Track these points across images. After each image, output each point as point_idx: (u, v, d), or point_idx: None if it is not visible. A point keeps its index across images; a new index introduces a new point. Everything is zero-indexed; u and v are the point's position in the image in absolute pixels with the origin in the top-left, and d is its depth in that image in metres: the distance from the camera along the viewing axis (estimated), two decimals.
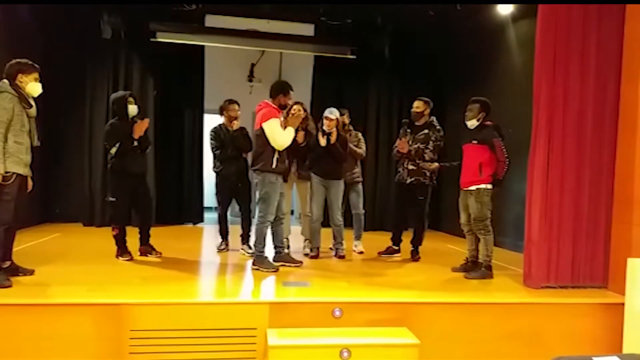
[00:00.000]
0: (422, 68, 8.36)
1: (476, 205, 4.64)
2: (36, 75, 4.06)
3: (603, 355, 2.17)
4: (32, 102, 4.06)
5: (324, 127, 5.40)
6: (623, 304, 3.89)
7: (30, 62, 4.07)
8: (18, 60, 4.05)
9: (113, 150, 4.84)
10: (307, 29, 8.36)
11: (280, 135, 4.60)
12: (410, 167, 5.42)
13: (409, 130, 5.48)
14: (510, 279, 4.74)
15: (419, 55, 8.39)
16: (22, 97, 3.95)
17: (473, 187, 4.68)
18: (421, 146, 5.35)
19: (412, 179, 5.42)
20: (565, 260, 4.34)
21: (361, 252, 5.90)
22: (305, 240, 5.74)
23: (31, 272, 4.20)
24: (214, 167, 5.72)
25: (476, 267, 4.80)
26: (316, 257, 5.46)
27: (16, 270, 4.10)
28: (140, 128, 4.94)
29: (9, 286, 3.74)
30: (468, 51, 7.80)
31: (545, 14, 4.30)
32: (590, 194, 4.35)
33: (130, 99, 4.98)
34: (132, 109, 4.96)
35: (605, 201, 4.36)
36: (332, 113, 5.38)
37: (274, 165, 4.61)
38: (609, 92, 4.33)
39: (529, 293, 4.20)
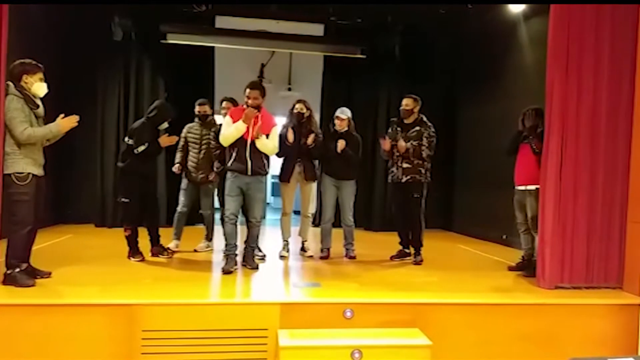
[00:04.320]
0: (432, 67, 8.34)
1: (536, 204, 4.54)
2: (41, 75, 3.97)
3: (619, 357, 2.14)
4: (39, 102, 4.00)
5: (336, 128, 5.39)
6: (639, 305, 3.84)
7: (34, 62, 3.97)
8: (21, 60, 3.94)
9: (141, 149, 4.86)
10: (317, 29, 8.37)
11: (222, 132, 4.70)
12: (405, 165, 5.30)
13: (399, 129, 5.40)
14: (523, 279, 4.71)
15: (429, 54, 8.36)
16: (28, 99, 3.89)
17: (533, 187, 4.62)
18: (414, 143, 5.25)
19: (408, 177, 5.30)
20: (579, 261, 4.29)
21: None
22: (304, 241, 5.71)
23: (48, 275, 4.17)
24: (216, 168, 5.65)
25: (532, 265, 4.75)
26: (327, 257, 5.46)
27: (33, 273, 4.05)
28: (169, 141, 5.06)
29: (32, 285, 3.79)
30: (479, 50, 7.76)
31: (557, 13, 4.25)
32: (605, 193, 4.30)
33: (167, 122, 5.10)
34: (163, 126, 5.11)
35: (619, 200, 4.30)
36: (343, 113, 5.38)
37: (229, 163, 4.67)
38: (623, 90, 4.28)
39: (543, 294, 4.16)
